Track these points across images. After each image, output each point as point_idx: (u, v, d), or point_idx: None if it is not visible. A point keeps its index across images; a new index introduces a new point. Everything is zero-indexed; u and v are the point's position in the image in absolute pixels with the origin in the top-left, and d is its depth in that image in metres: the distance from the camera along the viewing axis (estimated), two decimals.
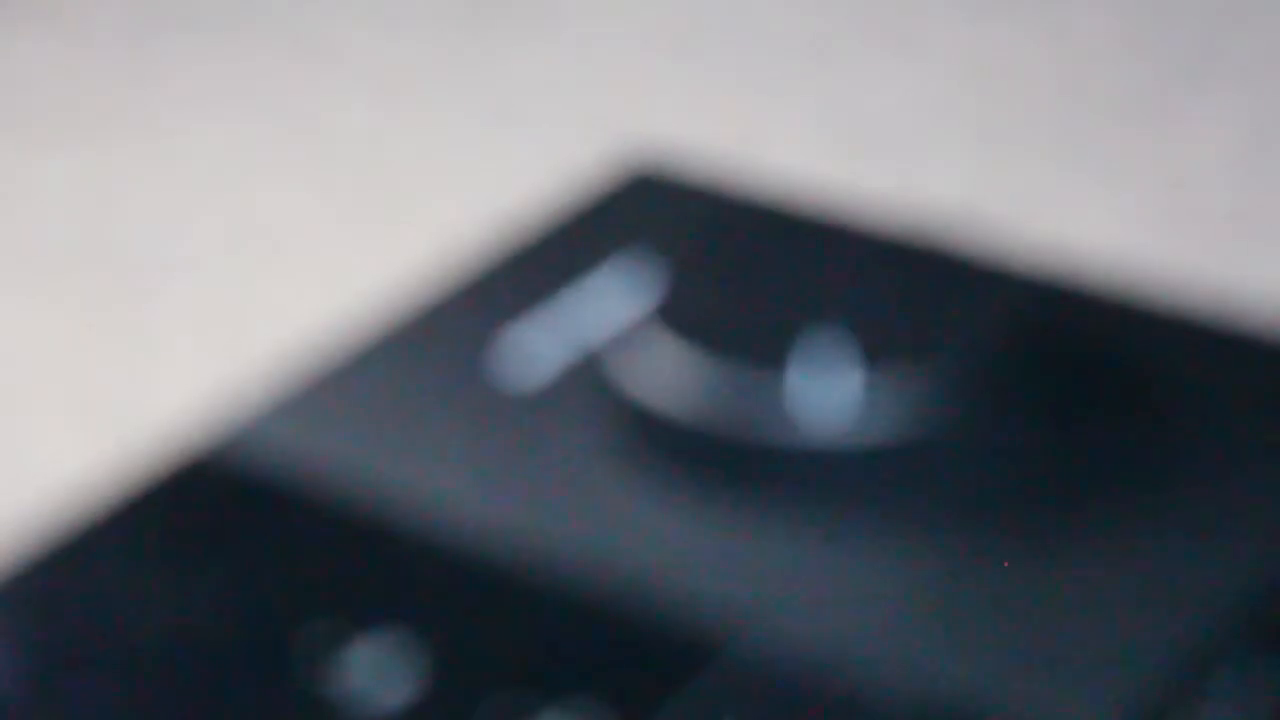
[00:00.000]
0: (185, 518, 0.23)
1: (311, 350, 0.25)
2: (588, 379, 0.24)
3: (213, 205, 0.45)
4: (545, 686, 0.20)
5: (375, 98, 0.48)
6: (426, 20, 0.51)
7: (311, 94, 0.49)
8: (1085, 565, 0.21)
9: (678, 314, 0.23)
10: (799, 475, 0.22)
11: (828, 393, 0.22)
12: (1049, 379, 0.23)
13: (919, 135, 0.45)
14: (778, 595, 0.21)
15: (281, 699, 0.20)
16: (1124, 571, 0.21)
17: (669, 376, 0.22)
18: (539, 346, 0.25)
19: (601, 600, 0.21)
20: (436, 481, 0.23)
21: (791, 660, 0.20)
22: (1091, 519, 0.22)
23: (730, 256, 0.24)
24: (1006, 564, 0.20)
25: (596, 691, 0.20)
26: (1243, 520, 0.21)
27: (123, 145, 0.47)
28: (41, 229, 0.44)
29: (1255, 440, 0.22)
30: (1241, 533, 0.21)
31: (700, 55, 0.49)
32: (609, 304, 0.26)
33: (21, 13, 0.52)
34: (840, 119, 0.46)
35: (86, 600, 0.21)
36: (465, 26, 0.51)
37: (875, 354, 0.22)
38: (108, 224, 0.44)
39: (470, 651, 0.20)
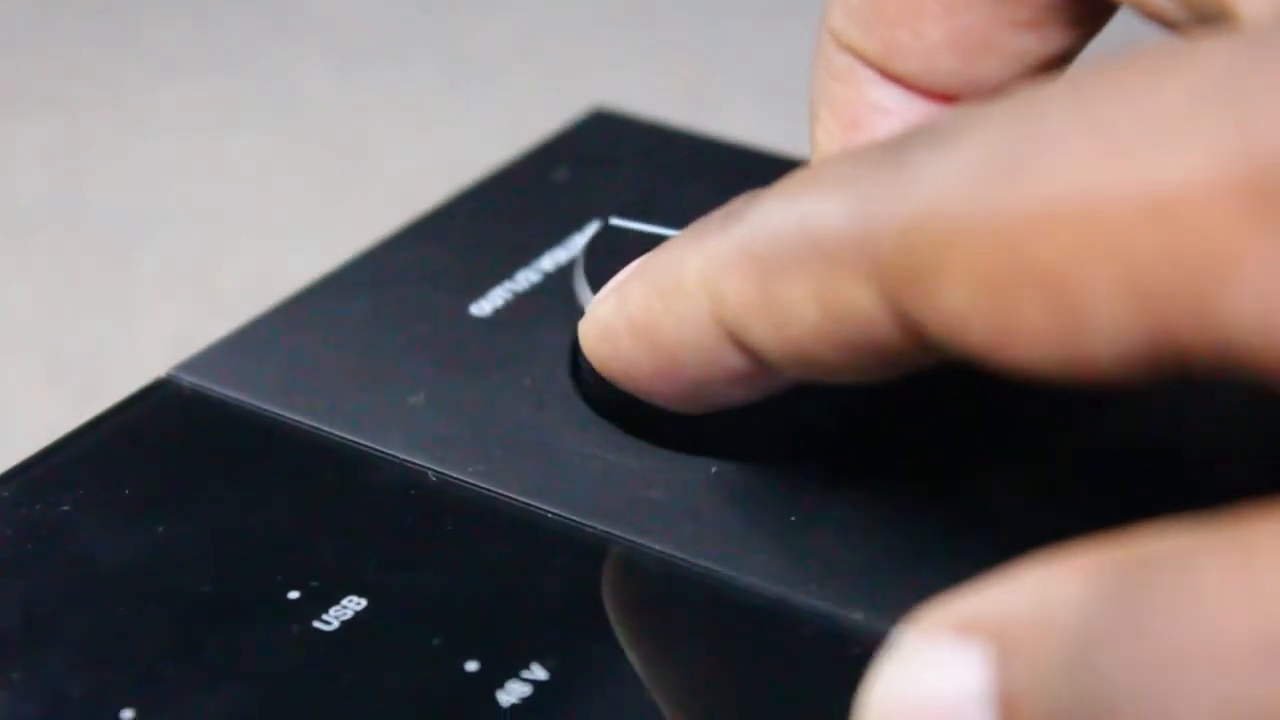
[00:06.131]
0: (145, 444, 0.23)
1: (280, 302, 0.25)
2: (546, 308, 0.24)
3: (182, 165, 0.44)
4: (498, 649, 0.20)
5: (342, 59, 0.48)
6: None
7: (279, 55, 0.48)
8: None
9: (631, 238, 0.23)
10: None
11: None
12: None
13: None
14: (743, 537, 0.21)
15: (240, 638, 0.20)
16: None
17: None
18: (499, 277, 0.25)
19: (552, 538, 0.21)
20: (397, 411, 0.23)
21: (751, 608, 0.20)
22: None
23: (683, 187, 0.24)
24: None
25: (545, 637, 0.20)
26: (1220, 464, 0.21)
27: (94, 108, 0.47)
28: (14, 191, 0.44)
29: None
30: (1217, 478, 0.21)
31: (657, 19, 0.49)
32: (567, 234, 0.26)
33: None
34: (793, 83, 0.46)
35: (41, 524, 0.22)
36: None
37: None
38: (80, 185, 0.44)
39: (420, 604, 0.20)
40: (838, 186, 0.18)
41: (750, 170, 0.27)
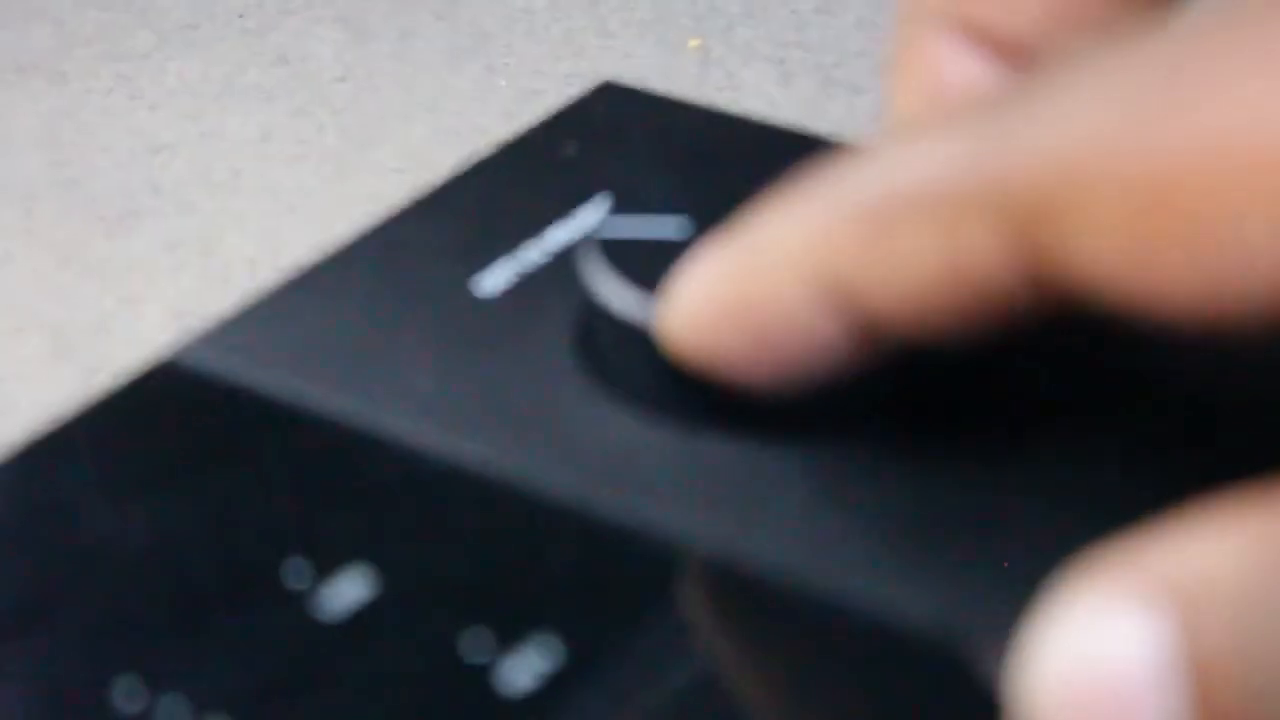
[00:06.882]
0: (147, 426, 0.23)
1: (283, 277, 0.25)
2: (553, 287, 0.24)
3: (183, 134, 0.44)
4: (508, 610, 0.20)
5: (347, 31, 0.48)
6: None
7: (284, 27, 0.48)
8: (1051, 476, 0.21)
9: (641, 222, 0.23)
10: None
11: None
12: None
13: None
14: (748, 513, 0.21)
15: (244, 622, 0.20)
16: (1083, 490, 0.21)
17: (633, 283, 0.22)
18: (505, 254, 0.25)
19: (564, 518, 0.21)
20: (402, 391, 0.23)
21: (762, 584, 0.20)
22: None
23: (693, 164, 0.24)
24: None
25: (558, 615, 0.20)
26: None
27: (94, 76, 0.47)
28: (12, 163, 0.44)
29: None
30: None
31: None
32: (574, 212, 0.26)
33: None
34: (806, 55, 0.46)
35: (48, 504, 0.21)
36: None
37: None
38: (80, 157, 0.44)
39: (434, 576, 0.20)
40: (955, 135, 0.17)
41: (762, 145, 0.27)
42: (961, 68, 0.21)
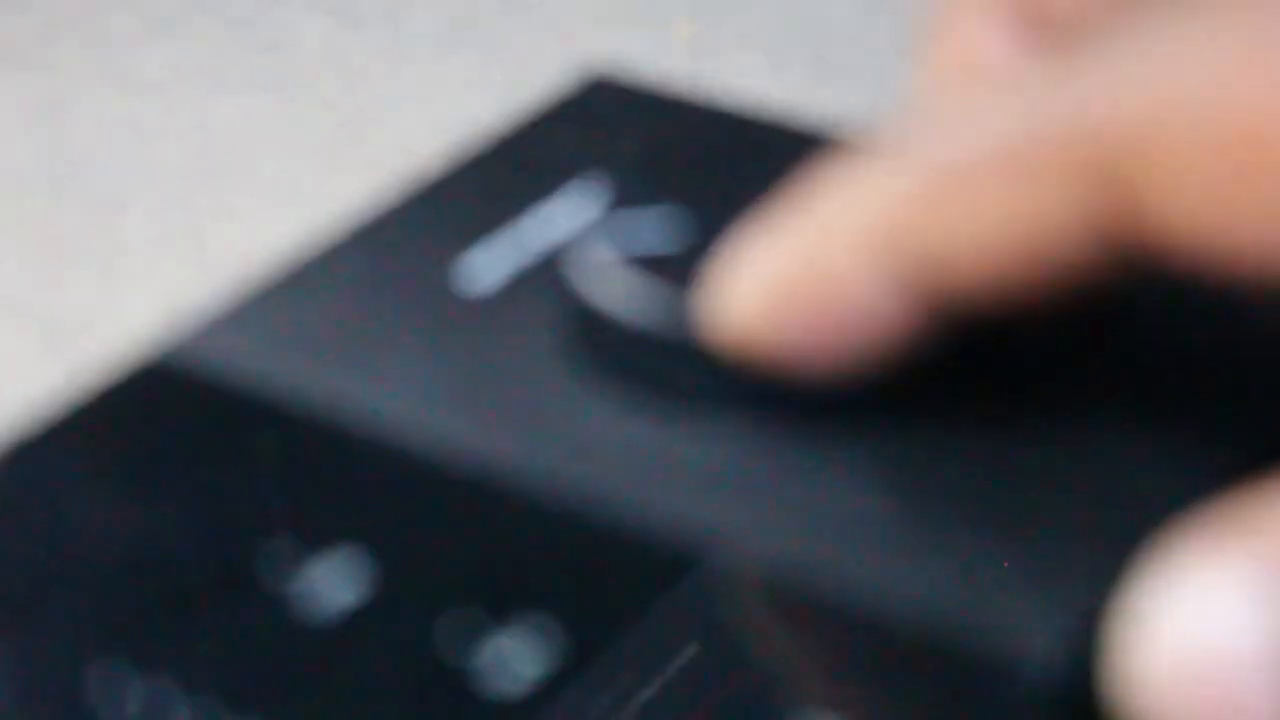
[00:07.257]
0: (137, 421, 0.22)
1: (273, 267, 0.25)
2: (543, 283, 0.24)
3: (172, 124, 0.44)
4: (501, 605, 0.20)
5: (334, 18, 0.48)
6: None
7: (270, 14, 0.48)
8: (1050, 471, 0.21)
9: (633, 218, 0.23)
10: (760, 383, 0.21)
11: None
12: None
13: (885, 56, 0.45)
14: (743, 507, 0.21)
15: (234, 608, 0.20)
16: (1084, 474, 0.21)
17: (625, 281, 0.22)
18: (494, 250, 0.25)
19: (561, 513, 0.21)
20: (391, 386, 0.23)
21: (762, 576, 0.20)
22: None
23: (685, 159, 0.24)
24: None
25: (554, 610, 0.20)
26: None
27: (81, 65, 0.47)
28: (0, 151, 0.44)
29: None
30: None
31: None
32: (564, 208, 0.26)
33: None
34: (803, 38, 0.46)
35: (35, 503, 0.21)
36: None
37: None
38: (67, 144, 0.44)
39: (425, 566, 0.20)
40: (1022, 94, 0.17)
41: (754, 134, 0.27)
42: (1006, 48, 0.21)
